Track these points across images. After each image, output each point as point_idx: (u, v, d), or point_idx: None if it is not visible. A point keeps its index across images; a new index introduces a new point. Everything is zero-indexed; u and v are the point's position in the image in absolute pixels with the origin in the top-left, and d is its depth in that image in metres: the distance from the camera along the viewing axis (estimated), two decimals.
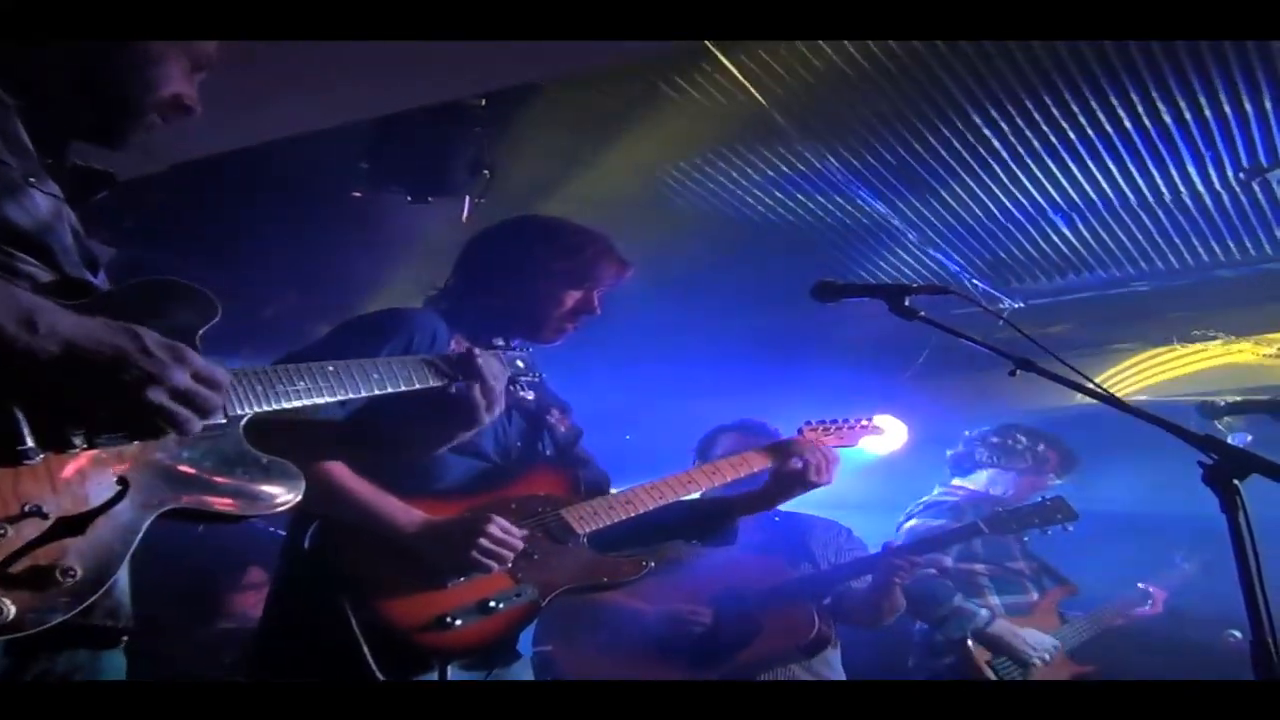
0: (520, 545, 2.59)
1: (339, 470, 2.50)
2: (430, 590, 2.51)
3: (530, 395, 2.71)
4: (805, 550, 4.50)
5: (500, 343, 2.63)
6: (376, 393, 2.11)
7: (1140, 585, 5.31)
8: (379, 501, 2.53)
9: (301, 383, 1.88)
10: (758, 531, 4.48)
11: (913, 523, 5.04)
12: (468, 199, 4.63)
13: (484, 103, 4.28)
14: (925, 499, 5.20)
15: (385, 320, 2.70)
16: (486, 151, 4.54)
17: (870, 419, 3.78)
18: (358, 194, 4.80)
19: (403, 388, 2.20)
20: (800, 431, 3.60)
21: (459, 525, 2.55)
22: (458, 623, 2.49)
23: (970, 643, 4.55)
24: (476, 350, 2.41)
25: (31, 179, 1.64)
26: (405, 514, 2.54)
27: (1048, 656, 4.60)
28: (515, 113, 4.39)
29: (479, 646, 2.56)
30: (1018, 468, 5.07)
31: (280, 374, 1.85)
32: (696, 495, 3.29)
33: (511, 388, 2.57)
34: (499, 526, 2.55)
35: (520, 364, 2.62)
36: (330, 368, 1.98)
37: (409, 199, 4.61)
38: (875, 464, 5.04)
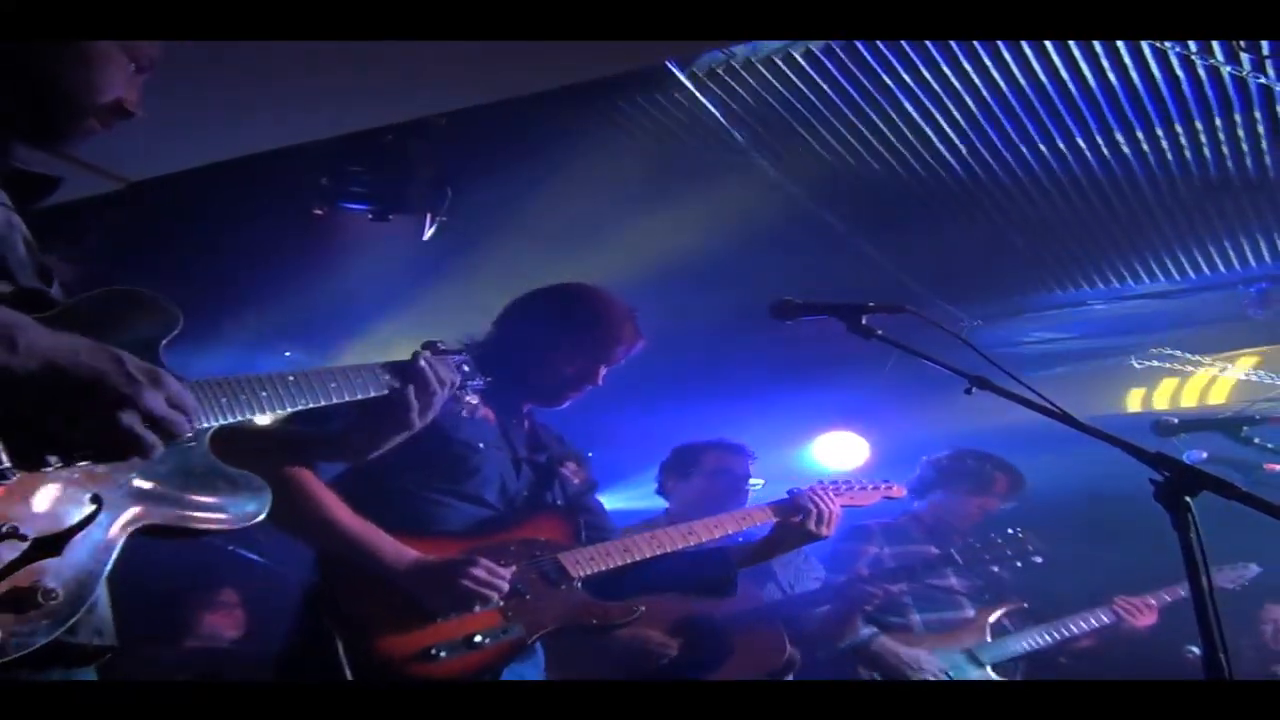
0: (505, 587, 2.63)
1: (332, 503, 2.56)
2: (418, 624, 2.55)
3: (474, 400, 2.71)
4: (769, 571, 4.51)
5: (443, 345, 2.64)
6: (335, 401, 2.13)
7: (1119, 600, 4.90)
8: (372, 538, 2.58)
9: (264, 392, 1.89)
10: None
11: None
12: (429, 216, 4.62)
13: (445, 120, 4.28)
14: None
15: None
16: (449, 169, 4.54)
17: (890, 484, 3.76)
18: (319, 211, 4.78)
19: (359, 395, 2.22)
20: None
21: (446, 566, 2.60)
22: (441, 655, 2.54)
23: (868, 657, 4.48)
24: (423, 355, 2.43)
25: None
26: (396, 551, 2.59)
27: (929, 678, 4.46)
28: (478, 130, 4.39)
29: (460, 679, 2.58)
30: (964, 489, 5.03)
31: (243, 385, 1.85)
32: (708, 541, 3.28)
33: (459, 393, 2.58)
34: (484, 569, 2.60)
35: (465, 369, 2.63)
36: (290, 378, 2.01)
37: (370, 216, 4.60)
38: None
